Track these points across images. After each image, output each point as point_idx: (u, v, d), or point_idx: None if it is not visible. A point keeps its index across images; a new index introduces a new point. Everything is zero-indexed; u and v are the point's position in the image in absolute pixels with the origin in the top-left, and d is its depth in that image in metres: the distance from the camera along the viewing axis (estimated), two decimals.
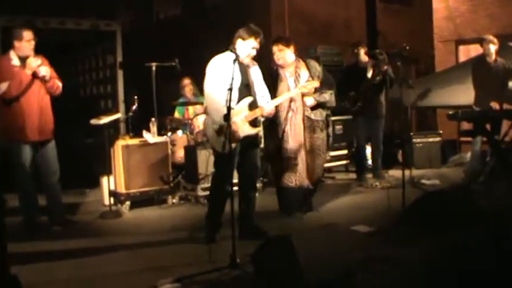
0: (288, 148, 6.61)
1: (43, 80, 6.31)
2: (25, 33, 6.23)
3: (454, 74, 9.83)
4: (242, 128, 5.69)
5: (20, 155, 6.23)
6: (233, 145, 5.55)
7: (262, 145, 6.14)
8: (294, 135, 6.61)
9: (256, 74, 5.95)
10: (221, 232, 5.78)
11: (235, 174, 5.95)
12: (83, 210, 7.74)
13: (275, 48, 6.66)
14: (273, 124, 6.59)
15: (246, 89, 5.78)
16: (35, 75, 6.25)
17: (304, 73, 6.62)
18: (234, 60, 5.20)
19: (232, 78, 5.06)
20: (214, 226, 5.85)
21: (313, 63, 6.80)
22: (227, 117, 4.95)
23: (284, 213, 6.81)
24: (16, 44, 6.24)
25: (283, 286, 4.27)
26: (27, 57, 6.23)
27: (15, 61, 6.25)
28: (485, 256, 4.54)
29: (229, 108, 4.95)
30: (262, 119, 6.01)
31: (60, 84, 6.54)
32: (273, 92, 6.33)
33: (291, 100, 6.54)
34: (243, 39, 5.67)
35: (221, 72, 5.58)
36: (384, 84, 8.26)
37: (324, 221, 6.54)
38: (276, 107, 6.15)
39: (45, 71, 6.28)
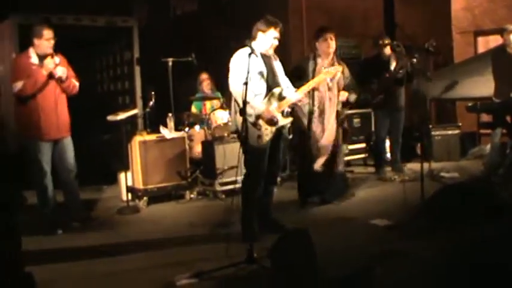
0: (325, 136, 6.78)
1: (59, 80, 6.32)
2: (45, 31, 6.24)
3: (473, 65, 9.69)
4: (279, 117, 5.69)
5: (37, 152, 6.26)
6: (267, 138, 5.59)
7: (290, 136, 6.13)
8: (331, 125, 6.78)
9: (279, 67, 5.93)
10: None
11: None
12: (101, 207, 7.76)
13: (329, 36, 6.76)
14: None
15: (273, 80, 5.75)
16: (51, 76, 6.26)
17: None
18: (250, 54, 5.18)
19: (248, 72, 5.02)
20: (255, 225, 5.66)
21: (345, 65, 6.90)
22: (243, 111, 4.93)
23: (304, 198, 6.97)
24: (36, 41, 6.25)
25: (300, 280, 4.25)
26: (46, 55, 6.25)
27: (34, 59, 6.25)
28: (505, 250, 4.49)
29: (244, 102, 4.94)
30: (289, 110, 5.95)
31: (77, 84, 6.55)
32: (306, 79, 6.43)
33: (329, 89, 6.67)
34: (263, 31, 5.65)
35: (245, 66, 5.36)
36: (405, 77, 8.18)
37: (342, 214, 6.51)
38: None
39: (62, 71, 6.29)
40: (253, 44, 5.56)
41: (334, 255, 4.83)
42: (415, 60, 7.76)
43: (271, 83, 5.71)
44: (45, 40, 6.23)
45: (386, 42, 8.28)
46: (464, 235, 5.19)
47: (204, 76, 9.29)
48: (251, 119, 5.45)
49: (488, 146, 8.69)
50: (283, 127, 5.80)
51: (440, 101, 10.94)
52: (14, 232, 2.69)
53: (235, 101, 5.64)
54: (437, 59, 11.38)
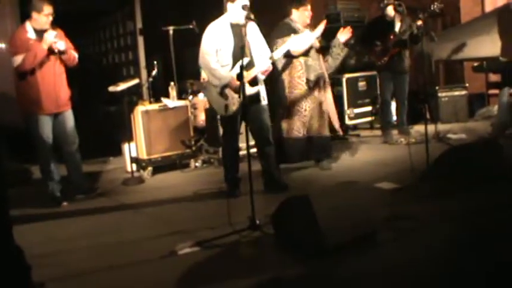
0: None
1: (59, 53, 6.25)
2: (46, 6, 6.13)
3: (480, 24, 9.49)
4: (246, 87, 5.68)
5: (38, 125, 6.21)
6: (234, 108, 5.76)
7: (265, 102, 6.07)
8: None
9: (253, 32, 5.91)
10: (241, 188, 6.00)
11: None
12: (105, 178, 7.75)
13: (309, 6, 6.74)
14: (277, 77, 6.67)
15: (242, 50, 5.62)
16: (50, 50, 6.18)
17: None
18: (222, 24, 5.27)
19: (247, 39, 5.09)
20: (232, 182, 6.07)
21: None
22: (240, 76, 4.98)
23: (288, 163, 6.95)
24: (34, 15, 6.15)
25: (302, 246, 4.22)
26: (43, 30, 6.16)
27: (31, 34, 6.16)
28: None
29: (242, 67, 4.96)
30: (263, 77, 6.00)
31: (76, 55, 6.48)
32: None
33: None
34: (232, 1, 5.70)
35: (213, 38, 5.67)
36: (409, 40, 8.04)
37: (347, 178, 6.47)
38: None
39: (62, 45, 6.22)
40: (225, 15, 5.68)
41: (338, 219, 4.74)
42: (420, 22, 7.60)
43: (240, 53, 5.61)
44: (44, 15, 6.13)
45: (389, 1, 8.13)
46: (470, 198, 5.14)
47: None
48: (217, 89, 5.71)
49: (496, 107, 8.57)
50: (251, 96, 5.78)
51: (449, 62, 10.79)
52: (3, 203, 2.65)
53: (205, 72, 5.93)
54: (444, 19, 11.19)
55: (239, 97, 5.58)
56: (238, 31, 5.71)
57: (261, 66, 5.82)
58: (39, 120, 6.22)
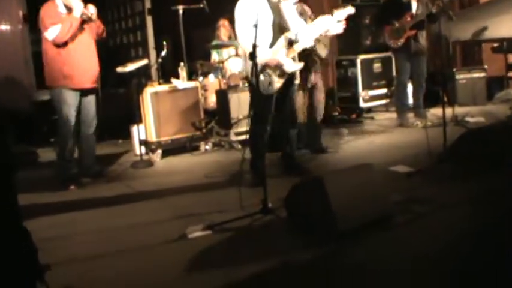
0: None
1: (91, 19, 6.21)
2: None
3: (499, 3, 9.26)
4: (287, 64, 5.51)
5: (66, 101, 6.15)
6: (278, 85, 5.51)
7: (297, 81, 6.02)
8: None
9: (288, 9, 5.72)
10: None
11: None
12: (114, 161, 7.64)
13: None
14: None
15: (280, 26, 5.55)
16: (83, 19, 6.14)
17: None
18: None
19: (258, 14, 4.76)
20: (260, 170, 5.53)
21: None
22: (253, 55, 4.66)
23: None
24: None
25: (316, 229, 4.11)
26: (71, 8, 6.11)
27: (61, 8, 6.14)
28: None
29: (254, 46, 4.63)
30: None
31: (103, 26, 6.50)
32: None
33: None
34: None
35: (250, 12, 5.34)
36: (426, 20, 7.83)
37: (361, 161, 6.25)
38: None
39: (92, 8, 6.21)
40: None
41: (353, 203, 4.62)
42: (440, 3, 7.37)
43: (279, 28, 5.52)
44: None
45: None
46: (487, 182, 4.99)
47: (222, 22, 8.93)
48: (259, 67, 5.16)
49: None
50: (293, 73, 5.66)
51: (466, 43, 10.55)
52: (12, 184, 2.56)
53: (244, 47, 5.53)
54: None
55: (279, 76, 5.49)
56: (274, 6, 5.54)
57: (306, 42, 5.61)
58: (68, 95, 6.16)
